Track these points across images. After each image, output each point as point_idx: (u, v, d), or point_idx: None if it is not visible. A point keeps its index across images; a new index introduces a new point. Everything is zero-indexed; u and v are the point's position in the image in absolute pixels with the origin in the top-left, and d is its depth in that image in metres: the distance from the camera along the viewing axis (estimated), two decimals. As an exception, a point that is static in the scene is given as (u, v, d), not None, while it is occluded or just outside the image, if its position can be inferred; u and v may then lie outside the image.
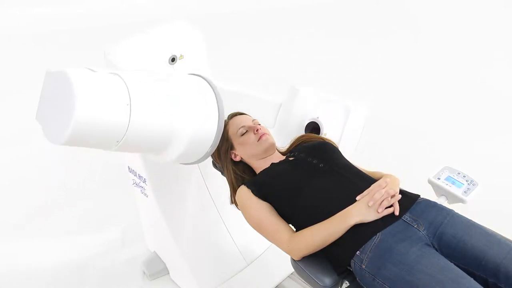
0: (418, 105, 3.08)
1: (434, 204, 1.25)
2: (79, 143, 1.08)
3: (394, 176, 1.34)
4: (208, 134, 1.27)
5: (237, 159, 1.50)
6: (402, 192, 1.29)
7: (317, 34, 4.30)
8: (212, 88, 1.31)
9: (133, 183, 1.73)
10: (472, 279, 1.06)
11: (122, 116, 1.09)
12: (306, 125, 1.54)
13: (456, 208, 1.30)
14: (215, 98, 1.28)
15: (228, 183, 1.50)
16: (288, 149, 1.56)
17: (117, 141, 1.11)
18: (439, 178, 1.44)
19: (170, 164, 1.33)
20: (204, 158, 1.35)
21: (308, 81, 3.45)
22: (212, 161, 1.61)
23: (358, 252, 1.17)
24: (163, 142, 1.21)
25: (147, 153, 1.30)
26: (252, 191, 1.36)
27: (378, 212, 1.19)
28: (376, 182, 1.27)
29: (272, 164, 1.43)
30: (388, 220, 1.19)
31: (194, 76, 1.34)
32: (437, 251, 1.16)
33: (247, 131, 1.48)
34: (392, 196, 1.22)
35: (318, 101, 1.53)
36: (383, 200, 1.20)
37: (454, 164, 1.48)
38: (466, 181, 1.42)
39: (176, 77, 1.27)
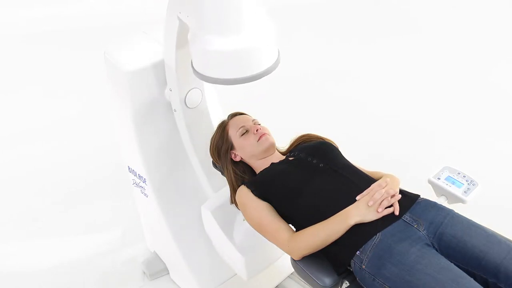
0: (418, 105, 3.07)
1: (434, 204, 1.25)
2: None
3: (394, 176, 1.35)
4: (272, 53, 1.28)
5: (237, 159, 1.50)
6: (402, 192, 1.29)
7: (317, 33, 4.30)
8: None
9: (133, 183, 1.73)
10: (472, 279, 1.06)
11: None
12: None
13: (456, 208, 1.30)
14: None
15: (228, 183, 1.50)
16: (288, 149, 1.57)
17: None
18: (439, 178, 1.44)
19: (222, 60, 1.23)
20: (253, 77, 1.25)
21: (308, 81, 3.45)
22: (212, 161, 1.61)
23: (358, 252, 1.17)
24: (244, 22, 1.22)
25: (219, 22, 1.23)
26: (252, 191, 1.36)
27: (378, 212, 1.19)
28: (376, 182, 1.27)
29: (272, 164, 1.43)
30: (388, 220, 1.19)
31: None
32: (437, 251, 1.16)
33: (247, 131, 1.48)
34: (392, 196, 1.22)
35: None
36: (383, 200, 1.20)
37: (454, 164, 1.48)
38: (466, 181, 1.42)
39: None
